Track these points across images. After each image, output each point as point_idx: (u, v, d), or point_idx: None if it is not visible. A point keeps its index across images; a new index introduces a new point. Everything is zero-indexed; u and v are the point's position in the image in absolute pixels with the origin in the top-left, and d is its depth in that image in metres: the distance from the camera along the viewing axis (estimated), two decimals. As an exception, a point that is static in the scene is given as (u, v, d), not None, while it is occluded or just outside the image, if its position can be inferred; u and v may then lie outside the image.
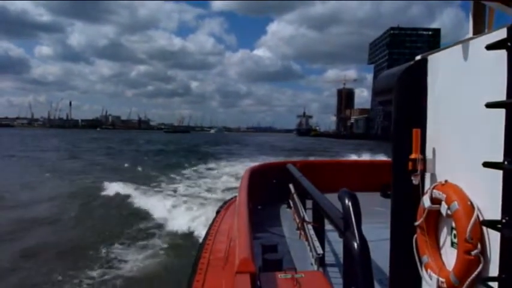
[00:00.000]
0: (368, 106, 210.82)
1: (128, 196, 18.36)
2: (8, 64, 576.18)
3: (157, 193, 19.40)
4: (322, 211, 4.34)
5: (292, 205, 7.02)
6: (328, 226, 4.38)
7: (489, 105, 1.94)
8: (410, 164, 2.62)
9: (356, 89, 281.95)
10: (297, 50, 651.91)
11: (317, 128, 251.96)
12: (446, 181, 2.38)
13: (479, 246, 2.07)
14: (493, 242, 2.03)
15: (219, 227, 5.60)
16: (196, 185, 22.34)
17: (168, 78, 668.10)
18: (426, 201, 2.48)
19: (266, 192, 8.05)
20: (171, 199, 17.47)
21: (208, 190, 20.41)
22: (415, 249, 2.62)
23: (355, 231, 2.86)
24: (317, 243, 4.46)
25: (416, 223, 2.58)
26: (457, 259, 2.21)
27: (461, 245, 2.13)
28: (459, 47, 2.38)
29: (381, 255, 3.17)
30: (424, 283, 2.61)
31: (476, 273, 2.08)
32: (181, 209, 15.41)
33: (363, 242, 2.79)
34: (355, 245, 2.79)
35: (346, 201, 3.07)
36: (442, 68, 2.61)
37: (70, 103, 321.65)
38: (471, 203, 2.17)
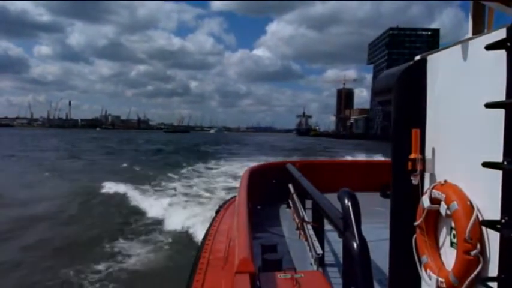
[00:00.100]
0: (367, 106, 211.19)
1: (126, 195, 18.45)
2: (7, 64, 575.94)
3: (156, 192, 19.46)
4: (321, 211, 4.34)
5: (291, 205, 7.02)
6: (327, 226, 4.37)
7: (488, 106, 1.95)
8: (409, 164, 2.62)
9: (355, 89, 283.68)
10: (297, 50, 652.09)
11: (317, 128, 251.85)
12: (445, 181, 2.38)
13: (478, 246, 2.07)
14: (493, 242, 2.03)
15: (218, 226, 5.59)
16: (195, 184, 22.41)
17: (167, 78, 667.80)
18: (426, 201, 2.48)
19: (266, 192, 8.05)
20: (170, 198, 17.53)
21: (207, 190, 20.43)
22: (414, 249, 2.62)
23: (355, 231, 2.85)
24: (316, 243, 4.46)
25: (416, 223, 2.58)
26: (457, 259, 2.21)
27: (461, 245, 2.13)
28: (459, 47, 2.38)
29: (380, 255, 3.17)
30: (423, 283, 2.61)
31: (475, 273, 2.08)
32: (179, 207, 15.54)
33: (363, 242, 2.79)
34: (355, 245, 2.78)
35: (346, 201, 3.07)
36: (442, 68, 2.61)
37: (69, 103, 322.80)
38: (470, 203, 2.17)
